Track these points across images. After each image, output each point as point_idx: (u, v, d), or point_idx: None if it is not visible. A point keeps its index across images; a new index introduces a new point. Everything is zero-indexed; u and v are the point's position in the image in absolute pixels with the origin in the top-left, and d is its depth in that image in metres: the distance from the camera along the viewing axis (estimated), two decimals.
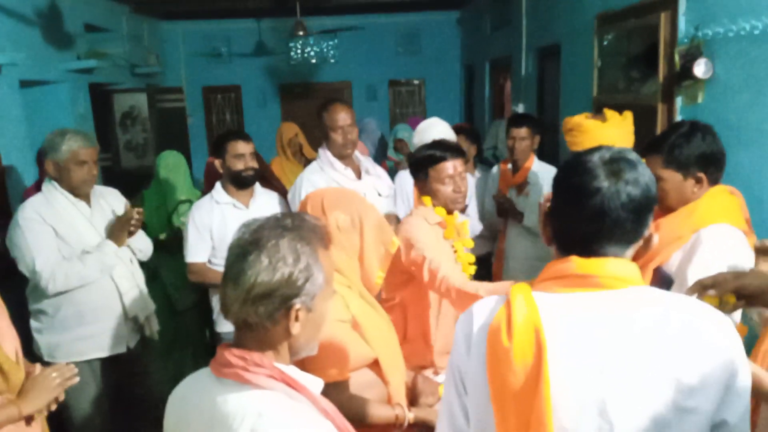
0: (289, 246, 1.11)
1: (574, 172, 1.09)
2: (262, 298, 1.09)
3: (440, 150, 2.35)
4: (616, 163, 1.07)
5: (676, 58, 2.89)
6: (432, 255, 2.16)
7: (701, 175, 1.89)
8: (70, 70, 5.02)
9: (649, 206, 1.08)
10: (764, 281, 1.37)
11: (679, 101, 3.00)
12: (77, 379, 1.88)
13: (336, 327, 1.69)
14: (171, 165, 3.63)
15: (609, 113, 2.75)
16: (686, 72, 2.75)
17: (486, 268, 3.82)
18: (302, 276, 1.10)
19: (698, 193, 1.89)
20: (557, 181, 1.15)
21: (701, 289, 1.36)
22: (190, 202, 3.54)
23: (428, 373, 2.21)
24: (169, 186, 3.58)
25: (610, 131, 2.68)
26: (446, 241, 2.39)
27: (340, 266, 1.79)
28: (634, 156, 1.10)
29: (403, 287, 2.34)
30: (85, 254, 2.55)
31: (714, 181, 1.92)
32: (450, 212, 2.38)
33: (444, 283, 2.10)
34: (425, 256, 2.15)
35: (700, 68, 2.68)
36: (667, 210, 1.96)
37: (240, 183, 2.94)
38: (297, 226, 1.15)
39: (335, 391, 1.61)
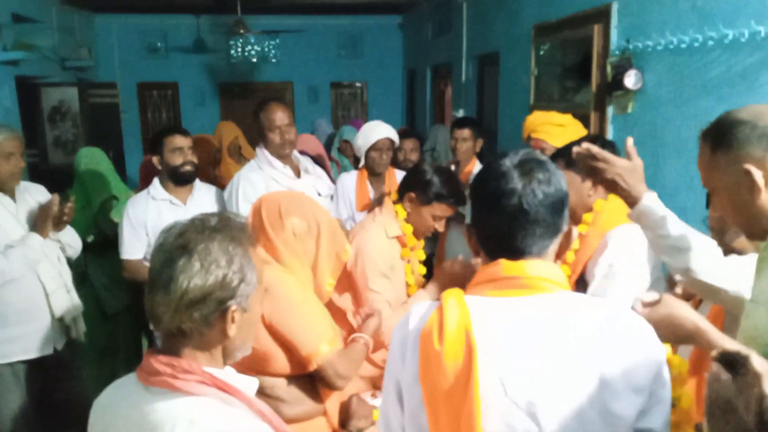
0: (221, 248, 1.08)
1: (488, 177, 1.14)
2: (197, 303, 1.06)
3: (457, 197, 2.35)
4: (527, 164, 1.12)
5: (608, 69, 3.01)
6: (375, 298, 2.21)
7: None
8: None
9: (564, 200, 1.14)
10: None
11: (610, 110, 3.13)
12: None
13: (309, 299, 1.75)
14: (92, 161, 3.43)
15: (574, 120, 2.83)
16: (617, 83, 2.87)
17: (428, 269, 3.85)
18: (236, 277, 1.08)
19: (593, 196, 2.02)
20: (474, 190, 1.19)
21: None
22: (117, 198, 3.40)
23: (366, 395, 2.16)
24: (93, 183, 3.38)
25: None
26: (401, 260, 2.40)
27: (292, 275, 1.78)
28: (541, 156, 1.17)
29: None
30: (8, 248, 2.44)
31: None
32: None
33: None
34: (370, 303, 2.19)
35: (630, 79, 2.81)
36: (570, 213, 2.07)
37: (178, 179, 2.89)
38: (225, 226, 1.12)
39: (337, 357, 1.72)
